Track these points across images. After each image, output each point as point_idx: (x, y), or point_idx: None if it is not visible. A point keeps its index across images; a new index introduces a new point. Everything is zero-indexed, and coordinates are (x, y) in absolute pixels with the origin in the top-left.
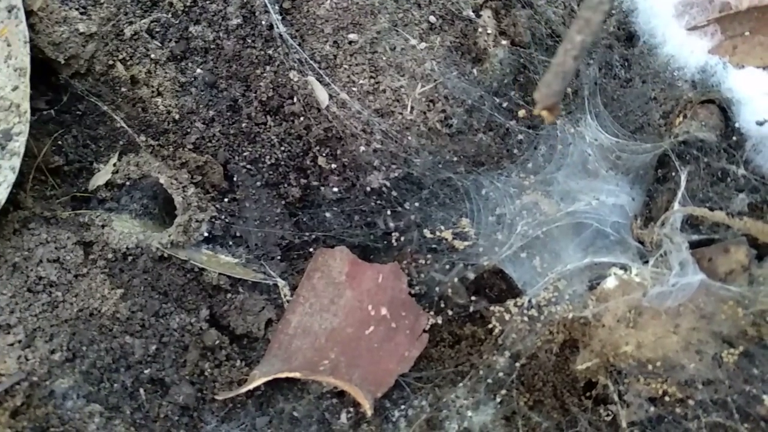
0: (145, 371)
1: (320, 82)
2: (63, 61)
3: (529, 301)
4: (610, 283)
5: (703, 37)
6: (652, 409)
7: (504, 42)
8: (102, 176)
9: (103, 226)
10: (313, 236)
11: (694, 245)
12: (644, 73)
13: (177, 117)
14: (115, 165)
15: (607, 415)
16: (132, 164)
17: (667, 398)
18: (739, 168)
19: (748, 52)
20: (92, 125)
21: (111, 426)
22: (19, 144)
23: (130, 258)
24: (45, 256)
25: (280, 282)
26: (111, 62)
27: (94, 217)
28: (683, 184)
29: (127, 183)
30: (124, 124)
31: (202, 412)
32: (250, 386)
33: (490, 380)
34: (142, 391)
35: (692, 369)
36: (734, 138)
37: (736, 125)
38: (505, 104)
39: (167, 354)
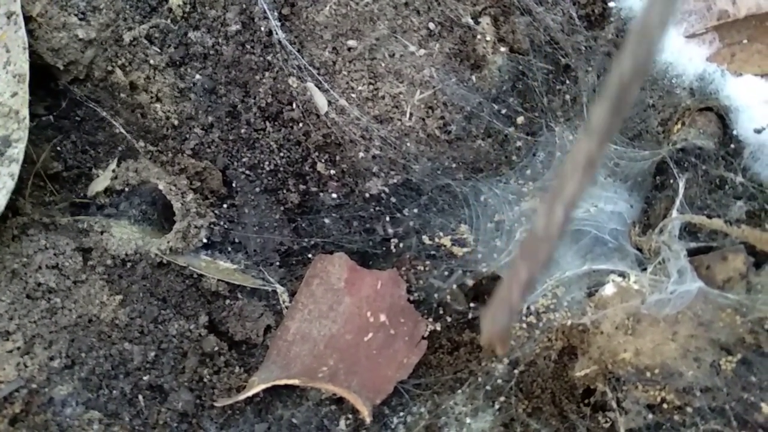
0: (144, 378)
1: (319, 88)
2: (62, 67)
3: (528, 308)
4: (609, 290)
5: (701, 45)
6: (650, 416)
7: (503, 49)
8: (101, 182)
9: (102, 233)
10: (312, 242)
11: (692, 253)
12: (642, 81)
13: (176, 123)
14: (114, 171)
15: (606, 422)
16: (131, 170)
17: (665, 405)
18: (737, 176)
19: (746, 59)
20: (91, 131)
21: None
22: (18, 151)
23: (128, 264)
24: (44, 262)
25: (279, 288)
26: (110, 68)
27: (92, 223)
28: (681, 191)
29: (126, 189)
30: (123, 130)
31: (201, 418)
32: (249, 393)
33: (488, 387)
34: (141, 397)
35: (690, 376)
36: (732, 146)
37: (734, 133)
38: (503, 111)
39: (166, 360)
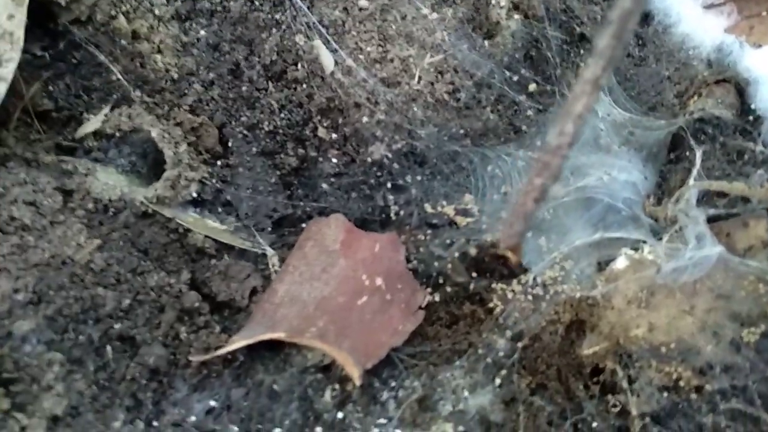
0: (115, 326)
1: (327, 47)
2: (64, 4)
3: (534, 279)
4: (621, 263)
5: (719, 16)
6: (665, 395)
7: (516, 16)
8: (91, 124)
9: (86, 175)
10: (308, 209)
11: (710, 220)
12: (658, 52)
13: (176, 76)
14: (106, 115)
15: (615, 405)
16: (124, 115)
17: (681, 384)
18: (757, 145)
19: (765, 32)
20: (87, 75)
21: (71, 380)
22: (8, 71)
23: (111, 211)
24: (21, 197)
25: (269, 251)
26: (113, 13)
27: (77, 165)
28: (698, 161)
29: (117, 134)
30: (121, 77)
31: (173, 377)
32: (228, 349)
33: (489, 360)
34: (109, 348)
35: (709, 352)
36: (751, 118)
37: (753, 106)
38: (515, 78)
39: (141, 312)
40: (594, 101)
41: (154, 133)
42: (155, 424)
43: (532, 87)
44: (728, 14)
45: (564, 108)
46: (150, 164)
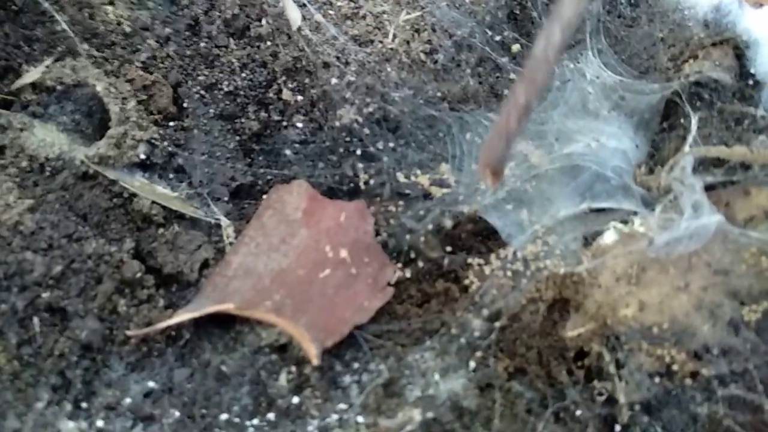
0: (44, 295)
1: (294, 1)
2: None
3: (514, 254)
4: (609, 237)
5: None
6: (657, 381)
7: None
8: (30, 75)
9: (21, 130)
10: (269, 178)
11: (708, 189)
12: (651, 12)
13: (128, 30)
14: (47, 66)
15: (600, 393)
16: (67, 67)
17: (675, 369)
18: (758, 110)
19: None
20: (28, 24)
21: None
22: None
23: (48, 170)
24: None
25: (224, 221)
26: None
27: (12, 119)
28: (694, 128)
29: (59, 88)
30: (66, 28)
31: (108, 355)
32: (171, 322)
33: (463, 341)
34: (35, 319)
35: (706, 334)
36: (750, 82)
37: (752, 70)
38: (498, 38)
39: (74, 281)
40: (585, 4)
41: (99, 88)
42: (85, 406)
43: (516, 48)
44: None
45: (552, 13)
46: (95, 124)
